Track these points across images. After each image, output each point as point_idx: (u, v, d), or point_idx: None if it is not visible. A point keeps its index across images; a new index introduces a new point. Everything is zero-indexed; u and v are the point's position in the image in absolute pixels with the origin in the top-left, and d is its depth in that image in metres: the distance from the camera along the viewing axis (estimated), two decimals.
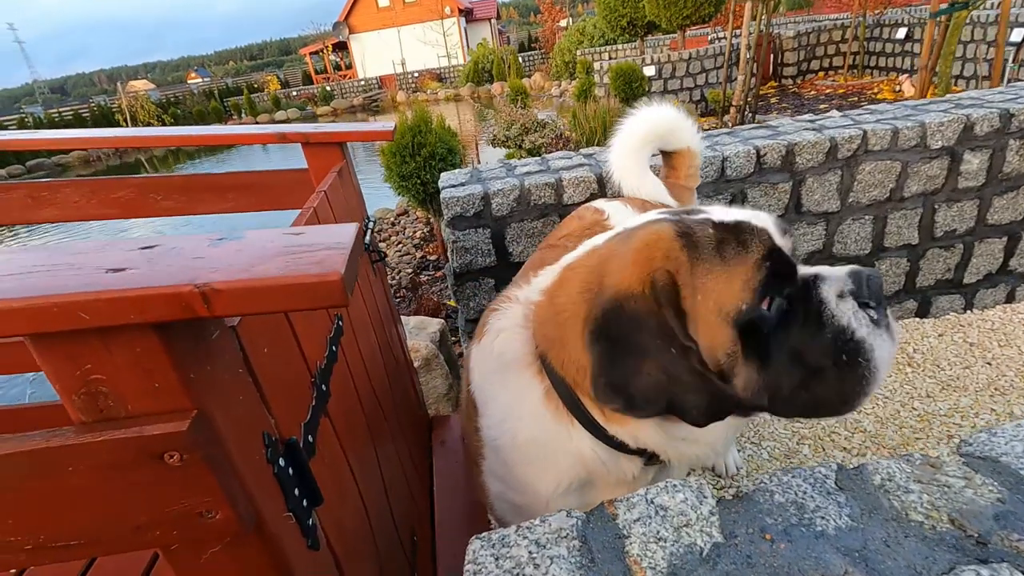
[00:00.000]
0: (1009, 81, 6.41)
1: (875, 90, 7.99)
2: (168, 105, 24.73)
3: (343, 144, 1.65)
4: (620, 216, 1.35)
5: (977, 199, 2.21)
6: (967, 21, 5.05)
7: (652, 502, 0.60)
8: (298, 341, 0.83)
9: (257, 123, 22.64)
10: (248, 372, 0.62)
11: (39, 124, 20.32)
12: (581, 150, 2.33)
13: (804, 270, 0.74)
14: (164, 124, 22.31)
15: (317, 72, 33.91)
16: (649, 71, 8.38)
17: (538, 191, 1.96)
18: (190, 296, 0.45)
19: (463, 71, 23.55)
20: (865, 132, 2.04)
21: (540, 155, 5.18)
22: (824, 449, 1.84)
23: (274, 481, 0.64)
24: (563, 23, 25.02)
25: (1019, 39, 6.28)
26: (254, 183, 1.70)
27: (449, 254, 2.04)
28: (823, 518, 0.55)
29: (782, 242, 0.73)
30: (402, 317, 2.48)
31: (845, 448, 1.83)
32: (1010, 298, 2.42)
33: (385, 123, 1.74)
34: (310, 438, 0.76)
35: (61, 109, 25.34)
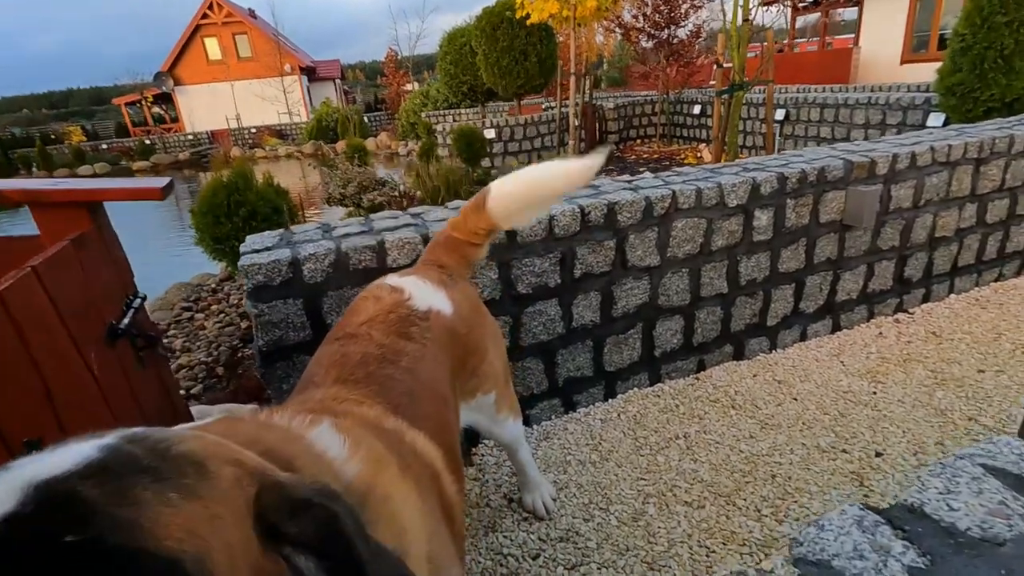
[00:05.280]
0: (780, 150, 7.77)
1: (682, 156, 9.18)
2: None
3: (94, 205, 1.32)
4: (421, 294, 1.22)
5: (769, 251, 2.47)
6: (744, 102, 6.04)
7: None
8: None
9: (52, 177, 19.45)
10: None
11: None
12: (410, 209, 2.19)
13: None
14: None
15: (135, 124, 30.50)
16: (490, 134, 8.76)
17: (358, 254, 1.76)
18: None
19: (306, 128, 22.81)
20: (674, 192, 2.19)
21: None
22: (668, 505, 1.81)
23: None
24: (408, 86, 25.66)
25: (782, 117, 7.68)
26: None
27: (254, 330, 1.73)
28: None
29: None
30: (203, 407, 2.07)
31: (687, 502, 1.82)
32: (803, 336, 2.73)
33: (157, 179, 1.44)
34: None
35: None
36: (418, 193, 6.15)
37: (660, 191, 2.19)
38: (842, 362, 2.54)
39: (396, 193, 4.73)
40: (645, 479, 1.93)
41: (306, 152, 21.12)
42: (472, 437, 2.10)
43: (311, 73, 31.39)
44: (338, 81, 33.29)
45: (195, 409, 1.88)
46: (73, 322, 1.04)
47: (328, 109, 22.28)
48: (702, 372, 2.52)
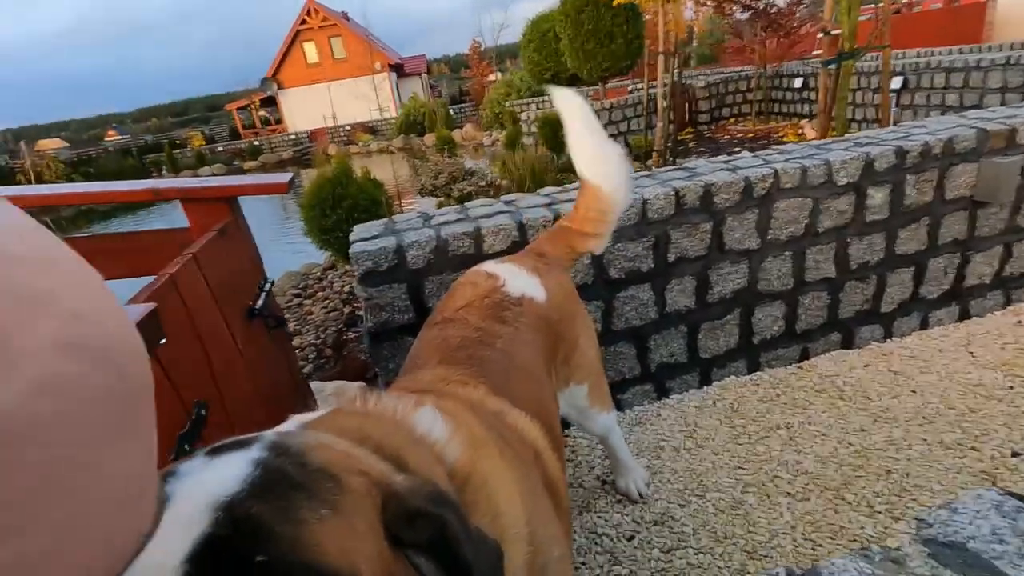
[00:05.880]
0: (896, 123, 7.08)
1: (781, 134, 8.61)
2: (79, 164, 23.37)
3: (232, 199, 1.48)
4: (516, 281, 1.25)
5: (884, 231, 2.28)
6: (854, 71, 5.55)
7: None
8: None
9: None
10: None
11: None
12: (503, 196, 2.25)
13: None
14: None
15: (245, 127, 33.30)
16: None
17: (456, 241, 1.84)
18: None
19: (395, 123, 23.76)
20: (776, 171, 2.08)
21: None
22: (769, 496, 1.76)
23: None
24: (492, 77, 25.94)
25: (899, 86, 6.97)
26: (124, 247, 1.49)
27: (363, 313, 1.87)
28: None
29: None
30: (318, 383, 2.26)
31: (789, 493, 1.75)
32: (924, 324, 2.50)
33: (281, 175, 1.59)
34: None
35: None
36: (504, 182, 6.25)
37: (760, 170, 2.09)
38: (971, 353, 2.31)
39: (484, 182, 4.84)
40: (744, 468, 1.88)
41: (396, 146, 22.02)
42: (564, 419, 2.14)
43: (399, 70, 32.61)
44: (424, 76, 34.33)
45: (313, 384, 2.06)
46: (221, 301, 1.19)
47: (415, 104, 23.08)
48: (806, 361, 2.39)
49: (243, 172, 22.66)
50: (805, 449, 1.92)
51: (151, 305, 0.45)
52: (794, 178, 2.10)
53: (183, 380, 0.89)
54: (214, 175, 22.49)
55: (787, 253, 2.20)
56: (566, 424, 2.17)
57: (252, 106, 32.92)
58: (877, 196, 2.22)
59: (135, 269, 1.52)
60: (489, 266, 1.33)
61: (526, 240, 1.90)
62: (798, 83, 9.33)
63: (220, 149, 26.35)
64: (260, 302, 1.44)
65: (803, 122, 8.76)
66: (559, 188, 2.27)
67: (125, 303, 0.79)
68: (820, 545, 1.56)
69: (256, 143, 25.22)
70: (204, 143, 29.36)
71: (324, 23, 30.46)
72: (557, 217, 1.94)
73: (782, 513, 1.68)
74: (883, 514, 1.63)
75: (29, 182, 19.62)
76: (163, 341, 0.49)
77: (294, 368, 1.77)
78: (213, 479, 0.42)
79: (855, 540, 1.56)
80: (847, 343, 2.43)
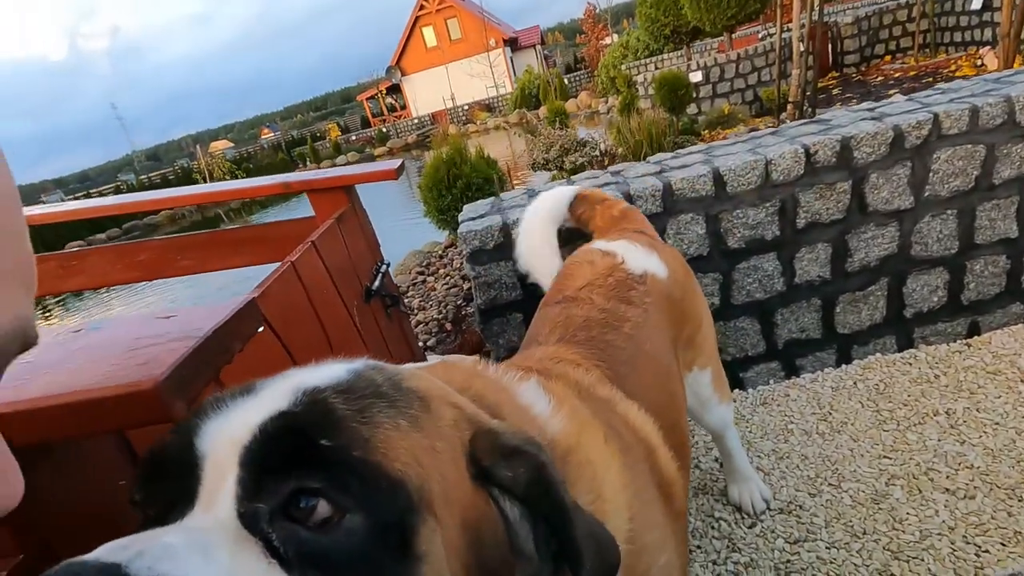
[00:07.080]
0: None
1: (952, 67, 7.30)
2: (241, 161, 26.68)
3: (349, 188, 1.60)
4: (634, 257, 1.17)
5: None
6: None
7: None
8: None
9: (319, 168, 23.92)
10: None
11: (131, 189, 22.51)
12: (610, 167, 2.17)
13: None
14: (236, 179, 23.97)
15: (374, 115, 35.63)
16: (695, 77, 8.08)
17: None
18: None
19: (510, 98, 23.91)
20: (936, 115, 1.77)
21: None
22: (921, 490, 1.55)
23: None
24: (607, 40, 24.97)
25: None
26: (264, 235, 1.67)
27: (473, 291, 1.93)
28: None
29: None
30: (437, 356, 2.39)
31: (948, 489, 1.53)
32: None
33: (391, 162, 1.68)
34: None
35: (151, 175, 28.01)
36: (619, 150, 6.03)
37: (914, 116, 1.79)
38: None
39: (597, 152, 4.71)
40: (889, 458, 1.67)
41: (511, 122, 22.18)
42: None
43: (513, 44, 32.63)
44: (538, 47, 34.00)
45: (430, 358, 2.19)
46: (340, 283, 1.29)
47: (530, 77, 22.99)
48: (976, 337, 2.05)
49: (373, 158, 24.33)
50: (971, 440, 1.66)
51: (249, 297, 0.51)
52: (960, 122, 1.77)
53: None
54: (348, 163, 24.43)
55: (950, 212, 1.88)
56: None
57: (379, 94, 35.07)
58: None
59: (273, 255, 1.71)
60: (601, 244, 1.25)
61: None
62: (976, 3, 7.80)
63: (353, 138, 28.50)
64: (376, 283, 1.54)
65: (983, 51, 7.33)
66: (670, 154, 2.13)
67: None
68: (986, 551, 1.35)
69: (384, 130, 26.90)
70: (340, 133, 31.96)
71: (441, 5, 31.29)
72: (669, 186, 1.83)
73: (938, 511, 1.48)
74: None
75: (204, 179, 22.86)
76: (260, 329, 0.55)
77: (412, 343, 1.88)
78: (310, 376, 0.46)
79: None
80: None
